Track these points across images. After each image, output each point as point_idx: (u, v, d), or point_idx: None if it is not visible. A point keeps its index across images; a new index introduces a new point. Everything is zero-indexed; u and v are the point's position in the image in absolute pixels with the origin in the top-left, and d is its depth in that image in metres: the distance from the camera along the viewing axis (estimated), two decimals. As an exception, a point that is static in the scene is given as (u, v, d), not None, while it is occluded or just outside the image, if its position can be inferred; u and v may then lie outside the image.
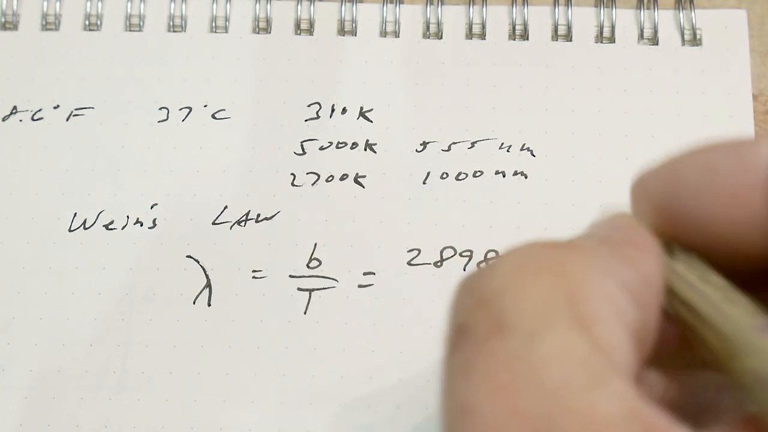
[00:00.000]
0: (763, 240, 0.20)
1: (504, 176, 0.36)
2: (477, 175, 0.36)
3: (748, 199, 0.19)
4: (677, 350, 0.21)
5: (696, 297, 0.19)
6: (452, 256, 0.35)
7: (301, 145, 0.37)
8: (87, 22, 0.39)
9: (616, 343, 0.18)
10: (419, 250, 0.35)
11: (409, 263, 0.35)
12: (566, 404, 0.16)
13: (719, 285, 0.19)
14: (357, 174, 0.37)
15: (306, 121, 0.38)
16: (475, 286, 0.19)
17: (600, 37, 0.39)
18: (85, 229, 0.36)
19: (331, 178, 0.37)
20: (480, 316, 0.18)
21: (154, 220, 0.36)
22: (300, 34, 0.39)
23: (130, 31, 0.39)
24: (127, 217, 0.36)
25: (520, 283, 0.18)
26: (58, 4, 0.40)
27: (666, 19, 0.39)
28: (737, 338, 0.18)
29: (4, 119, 0.38)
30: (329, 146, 0.37)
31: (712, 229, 0.20)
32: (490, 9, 0.39)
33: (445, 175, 0.36)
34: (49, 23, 0.39)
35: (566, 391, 0.16)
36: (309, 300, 0.35)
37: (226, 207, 0.36)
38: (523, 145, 0.37)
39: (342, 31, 0.39)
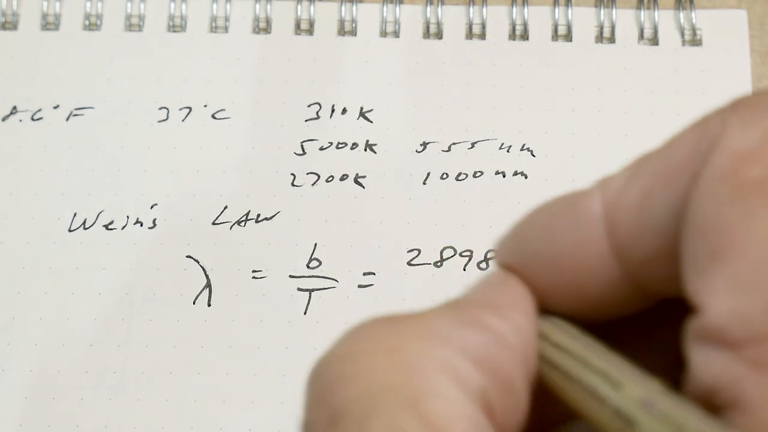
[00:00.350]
0: (612, 289, 0.19)
1: (504, 176, 0.36)
2: (477, 175, 0.36)
3: (590, 253, 0.19)
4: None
5: (561, 361, 0.19)
6: (452, 256, 0.35)
7: (301, 146, 0.37)
8: (87, 22, 0.39)
9: (453, 415, 0.17)
10: (419, 250, 0.35)
11: (409, 263, 0.35)
12: None
13: (586, 346, 0.19)
14: (357, 174, 0.37)
15: (306, 121, 0.38)
16: (315, 378, 0.18)
17: (600, 37, 0.39)
18: (85, 229, 0.36)
19: (331, 178, 0.37)
20: (319, 411, 0.17)
21: (154, 220, 0.36)
22: (300, 34, 0.39)
23: (130, 31, 0.39)
24: (127, 217, 0.36)
25: (353, 368, 0.17)
26: (58, 4, 0.40)
27: (666, 19, 0.39)
28: (600, 406, 0.17)
29: (4, 119, 0.38)
30: (329, 146, 0.37)
31: (566, 290, 0.19)
32: (490, 9, 0.39)
33: (445, 176, 0.36)
34: (49, 23, 0.39)
35: None
36: (309, 300, 0.35)
37: (226, 207, 0.36)
38: (523, 145, 0.37)
39: (342, 31, 0.39)
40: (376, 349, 0.18)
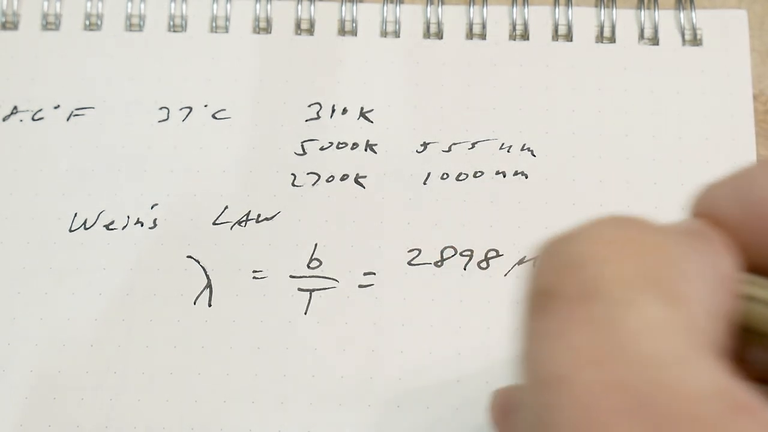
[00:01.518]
0: None
1: (504, 176, 0.36)
2: (477, 175, 0.37)
3: None
4: None
5: None
6: (452, 256, 0.35)
7: (302, 146, 0.37)
8: (87, 22, 0.39)
9: (707, 323, 0.17)
10: (419, 250, 0.35)
11: (409, 263, 0.35)
12: (658, 378, 0.16)
13: None
14: (357, 174, 0.37)
15: (306, 121, 0.38)
16: (561, 249, 0.18)
17: (600, 37, 0.39)
18: (86, 229, 0.36)
19: (331, 178, 0.37)
20: (567, 281, 0.18)
21: (155, 220, 0.36)
22: (300, 34, 0.39)
23: (130, 31, 0.39)
24: (128, 217, 0.36)
25: (609, 251, 0.18)
26: (58, 4, 0.40)
27: (666, 19, 0.39)
28: None
29: (4, 119, 0.38)
30: (330, 146, 0.37)
31: None
32: (490, 9, 0.39)
33: (445, 176, 0.36)
34: (50, 23, 0.39)
35: (658, 365, 0.16)
36: (309, 300, 0.35)
37: (226, 207, 0.36)
38: (523, 145, 0.37)
39: (342, 31, 0.39)
40: (632, 241, 0.18)
